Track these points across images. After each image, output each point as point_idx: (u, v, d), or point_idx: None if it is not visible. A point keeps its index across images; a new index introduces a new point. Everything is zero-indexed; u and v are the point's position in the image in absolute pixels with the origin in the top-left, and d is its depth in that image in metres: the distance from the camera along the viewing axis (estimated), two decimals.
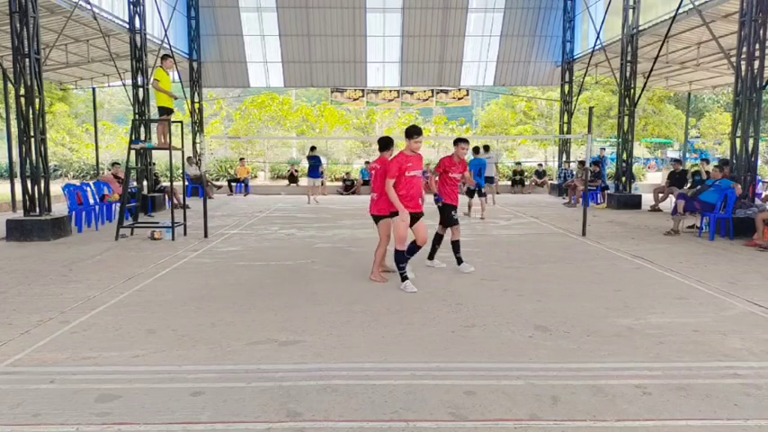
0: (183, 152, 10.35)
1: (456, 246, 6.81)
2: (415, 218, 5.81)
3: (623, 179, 14.94)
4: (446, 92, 21.80)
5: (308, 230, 10.56)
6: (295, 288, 5.95)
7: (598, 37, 15.98)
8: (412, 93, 21.83)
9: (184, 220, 10.01)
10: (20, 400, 3.23)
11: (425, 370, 3.68)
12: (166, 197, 13.85)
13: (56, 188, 11.28)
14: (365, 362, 3.82)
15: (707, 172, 12.08)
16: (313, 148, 17.10)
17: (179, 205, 11.46)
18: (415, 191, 5.69)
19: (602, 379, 3.53)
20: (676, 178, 13.69)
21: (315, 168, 16.62)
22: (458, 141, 6.87)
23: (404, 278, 5.76)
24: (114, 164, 13.01)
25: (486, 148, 14.31)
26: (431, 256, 7.08)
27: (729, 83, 18.79)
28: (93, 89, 21.33)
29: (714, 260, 7.47)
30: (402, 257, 5.75)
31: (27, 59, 9.15)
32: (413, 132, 5.63)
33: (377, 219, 6.23)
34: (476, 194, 12.52)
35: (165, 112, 9.70)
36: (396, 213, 6.12)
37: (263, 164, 27.09)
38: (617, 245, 8.65)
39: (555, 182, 19.89)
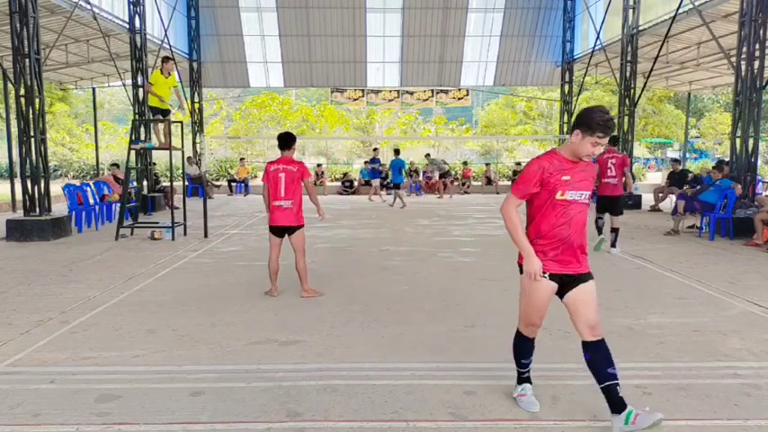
0: (183, 152, 10.35)
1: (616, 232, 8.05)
2: (569, 284, 3.00)
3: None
4: (446, 92, 21.80)
5: (308, 230, 10.50)
6: (295, 288, 5.94)
7: (598, 37, 15.98)
8: (412, 93, 21.82)
9: (184, 220, 10.00)
10: (20, 400, 3.23)
11: (425, 370, 3.68)
12: (166, 197, 13.85)
13: (56, 188, 11.28)
14: (365, 362, 3.82)
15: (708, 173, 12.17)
16: (375, 149, 18.77)
17: (175, 206, 11.44)
18: (574, 228, 2.92)
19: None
20: (676, 178, 13.69)
21: (375, 170, 18.36)
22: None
23: (522, 379, 3.21)
24: (113, 165, 13.01)
25: (396, 152, 16.63)
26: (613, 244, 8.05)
27: (729, 83, 18.77)
28: (93, 89, 21.33)
29: (714, 260, 7.47)
30: (524, 344, 3.17)
31: (27, 59, 9.15)
32: (592, 122, 2.76)
33: (291, 230, 5.44)
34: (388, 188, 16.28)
35: (159, 112, 9.70)
36: (302, 226, 5.40)
37: (263, 164, 27.07)
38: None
39: None
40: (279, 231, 5.49)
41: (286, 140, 5.51)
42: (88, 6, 12.23)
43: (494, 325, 4.62)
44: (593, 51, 16.57)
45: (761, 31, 9.74)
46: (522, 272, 3.02)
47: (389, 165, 16.82)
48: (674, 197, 11.84)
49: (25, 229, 8.99)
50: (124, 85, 15.44)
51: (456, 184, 20.47)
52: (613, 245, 8.09)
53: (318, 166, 22.10)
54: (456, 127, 32.73)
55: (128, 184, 10.07)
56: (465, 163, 22.77)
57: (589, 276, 3.04)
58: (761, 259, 7.56)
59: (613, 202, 8.06)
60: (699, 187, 10.31)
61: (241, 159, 22.44)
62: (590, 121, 2.76)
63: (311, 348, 4.09)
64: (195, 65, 19.70)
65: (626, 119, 14.74)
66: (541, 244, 2.93)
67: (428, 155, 18.96)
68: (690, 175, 13.90)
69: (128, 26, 14.06)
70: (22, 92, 9.26)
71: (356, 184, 20.70)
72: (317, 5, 19.31)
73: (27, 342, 4.21)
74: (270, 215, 5.46)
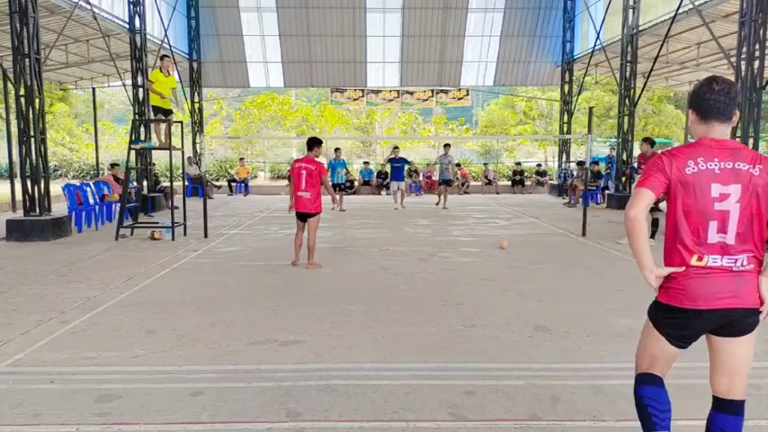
0: (183, 152, 10.35)
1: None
2: None
3: (623, 179, 14.94)
4: (446, 92, 21.79)
5: None
6: (295, 288, 5.95)
7: (598, 37, 15.97)
8: (412, 93, 21.81)
9: (184, 220, 10.00)
10: (20, 400, 3.23)
11: (425, 370, 3.68)
12: (166, 197, 13.84)
13: (56, 188, 11.27)
14: (365, 362, 3.82)
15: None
16: (396, 148, 15.85)
17: (175, 206, 11.44)
18: None
19: (602, 379, 3.54)
20: None
21: (400, 171, 15.29)
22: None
23: None
24: (113, 165, 13.00)
25: (336, 150, 15.87)
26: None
27: None
28: (93, 89, 21.32)
29: None
30: None
31: (27, 59, 9.15)
32: None
33: (310, 215, 6.83)
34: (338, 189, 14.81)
35: (161, 112, 9.70)
36: (317, 213, 6.81)
37: (263, 164, 27.09)
38: (617, 245, 8.64)
39: (555, 182, 19.89)
40: (300, 216, 6.88)
41: (310, 144, 6.85)
42: (88, 6, 12.22)
43: (494, 325, 4.63)
44: (593, 51, 16.55)
45: (761, 31, 9.72)
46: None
47: (328, 166, 15.14)
48: None
49: (25, 229, 8.99)
50: (124, 85, 15.43)
51: (456, 184, 20.40)
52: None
53: None
54: (456, 127, 32.69)
55: (128, 184, 10.07)
56: (458, 164, 22.27)
57: None
58: None
59: None
60: None
61: (241, 159, 22.44)
62: None
63: (311, 348, 4.09)
64: (195, 65, 19.68)
65: (626, 119, 14.73)
66: None
67: (447, 145, 15.62)
68: None
69: (128, 26, 14.05)
70: (22, 92, 9.25)
71: (356, 184, 20.68)
72: (317, 5, 19.30)
73: (27, 342, 4.21)
74: (294, 203, 6.86)
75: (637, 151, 13.48)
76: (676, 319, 2.31)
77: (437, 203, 15.37)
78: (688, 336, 2.36)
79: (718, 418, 2.33)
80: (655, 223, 8.41)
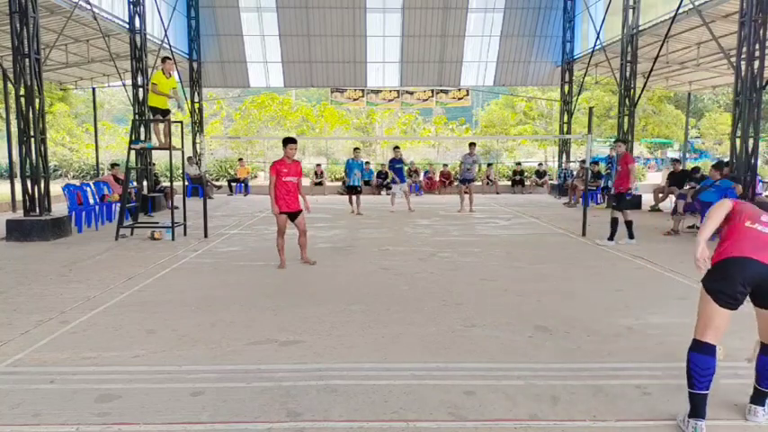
0: (183, 152, 10.34)
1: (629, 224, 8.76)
2: None
3: None
4: (446, 92, 21.78)
5: (308, 230, 10.53)
6: (295, 288, 5.95)
7: (598, 37, 15.98)
8: (412, 93, 21.80)
9: (184, 220, 10.00)
10: (20, 400, 3.23)
11: (425, 370, 3.68)
12: (166, 197, 13.84)
13: (56, 188, 11.27)
14: (365, 362, 3.82)
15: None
16: (397, 149, 14.97)
17: (175, 206, 11.44)
18: None
19: (602, 379, 3.54)
20: (676, 178, 13.68)
21: (400, 172, 14.66)
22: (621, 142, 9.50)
23: None
24: (113, 165, 13.00)
25: (355, 149, 14.66)
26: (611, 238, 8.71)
27: (729, 83, 18.77)
28: (93, 89, 21.32)
29: None
30: None
31: (27, 59, 9.15)
32: None
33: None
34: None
35: (159, 112, 9.69)
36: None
37: (263, 164, 27.08)
38: (617, 245, 8.64)
39: (555, 182, 19.88)
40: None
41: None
42: (88, 6, 12.22)
43: (494, 325, 4.63)
44: (593, 51, 16.55)
45: (761, 31, 9.72)
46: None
47: (345, 166, 14.31)
48: (673, 197, 11.84)
49: (25, 229, 8.98)
50: (124, 85, 15.42)
51: (455, 184, 20.38)
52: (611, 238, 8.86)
53: (318, 165, 22.08)
54: (456, 127, 32.70)
55: (128, 184, 10.06)
56: (445, 165, 22.30)
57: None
58: None
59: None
60: (698, 187, 10.30)
61: (240, 160, 22.44)
62: None
63: (311, 348, 4.09)
64: (195, 65, 19.68)
65: (626, 119, 14.73)
66: None
67: (473, 144, 13.71)
68: (699, 173, 13.57)
69: (128, 26, 14.05)
70: (22, 92, 9.25)
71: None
72: (317, 5, 19.30)
73: (27, 342, 4.21)
74: None
75: (637, 151, 13.43)
76: (723, 272, 2.89)
77: (470, 210, 13.69)
78: (731, 290, 2.86)
79: (760, 358, 3.07)
80: (614, 223, 8.77)
